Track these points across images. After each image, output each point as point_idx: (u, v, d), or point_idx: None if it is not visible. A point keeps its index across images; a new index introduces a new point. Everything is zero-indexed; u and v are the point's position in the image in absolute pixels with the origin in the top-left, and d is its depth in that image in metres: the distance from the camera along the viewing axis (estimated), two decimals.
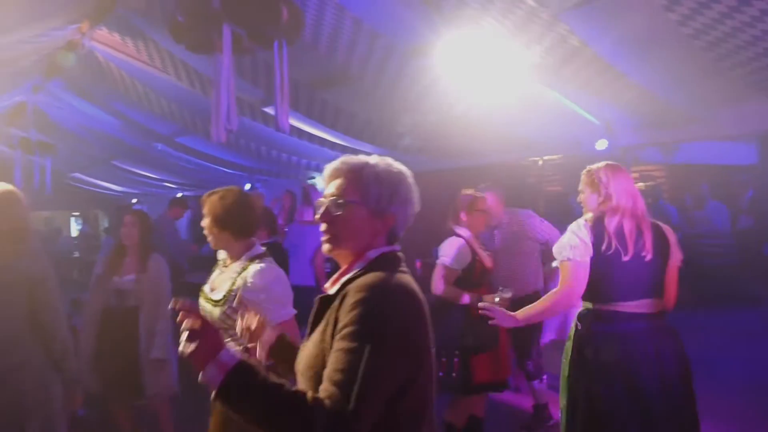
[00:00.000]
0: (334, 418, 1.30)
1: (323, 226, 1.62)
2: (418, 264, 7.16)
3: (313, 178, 9.42)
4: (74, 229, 21.54)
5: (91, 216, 21.00)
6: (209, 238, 2.76)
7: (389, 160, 1.69)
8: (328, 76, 4.75)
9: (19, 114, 7.74)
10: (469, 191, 4.19)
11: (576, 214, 6.15)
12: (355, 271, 1.57)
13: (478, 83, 4.49)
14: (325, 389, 1.35)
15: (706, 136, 6.79)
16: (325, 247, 1.63)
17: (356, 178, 1.60)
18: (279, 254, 4.19)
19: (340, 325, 1.44)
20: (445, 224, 4.34)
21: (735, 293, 7.68)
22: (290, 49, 3.31)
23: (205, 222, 2.76)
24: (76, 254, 15.18)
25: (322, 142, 6.67)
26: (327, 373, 1.39)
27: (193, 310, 1.46)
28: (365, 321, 1.40)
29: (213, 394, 1.40)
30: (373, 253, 1.59)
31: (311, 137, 6.50)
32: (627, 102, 5.26)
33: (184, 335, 1.44)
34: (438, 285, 3.80)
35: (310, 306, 1.64)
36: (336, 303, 1.50)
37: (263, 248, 2.81)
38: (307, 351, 1.55)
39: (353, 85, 4.87)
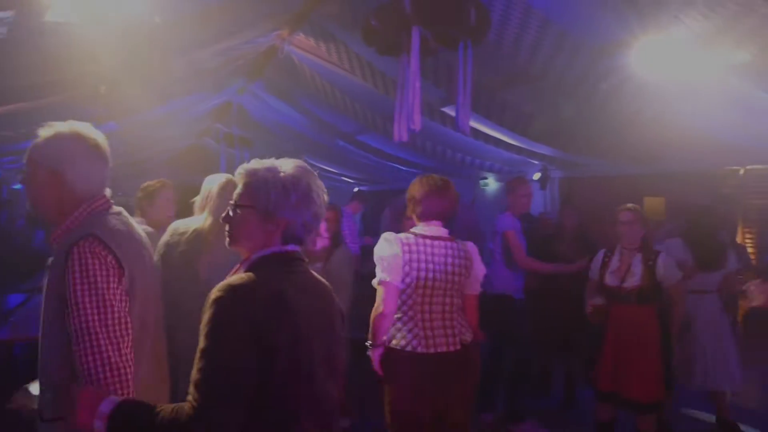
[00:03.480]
0: (194, 417, 1.48)
1: (226, 226, 1.80)
2: None
3: (486, 178, 9.37)
4: None
5: None
6: None
7: (292, 165, 1.81)
8: (509, 76, 4.69)
9: (225, 112, 8.71)
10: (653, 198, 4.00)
11: None
12: (240, 270, 1.74)
13: (675, 84, 4.14)
14: (190, 391, 1.54)
15: None
16: (226, 242, 1.79)
17: (248, 184, 1.75)
18: None
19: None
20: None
21: None
22: (473, 49, 3.33)
23: None
24: None
25: (498, 143, 6.59)
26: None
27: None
28: (213, 320, 1.55)
29: None
30: (258, 254, 1.73)
31: (487, 138, 6.46)
32: None
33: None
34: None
35: None
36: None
37: None
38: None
39: (534, 86, 4.75)
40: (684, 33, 3.44)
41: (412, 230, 3.23)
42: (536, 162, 7.65)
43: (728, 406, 4.39)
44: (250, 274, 1.67)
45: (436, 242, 3.14)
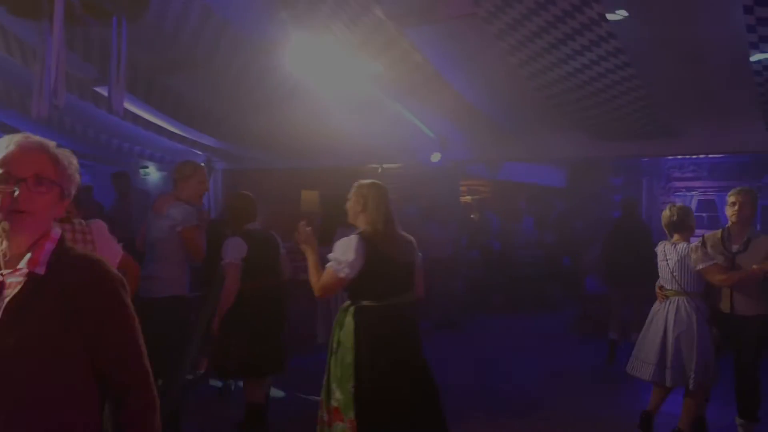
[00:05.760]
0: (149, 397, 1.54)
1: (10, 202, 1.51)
2: None
3: (147, 167, 8.90)
4: None
5: None
6: None
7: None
8: (172, 61, 4.55)
9: None
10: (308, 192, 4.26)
11: (407, 221, 6.49)
12: (53, 249, 1.56)
13: (325, 87, 4.58)
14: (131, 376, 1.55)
15: (527, 158, 7.60)
16: (4, 225, 1.52)
17: (54, 160, 1.58)
18: None
19: (90, 310, 1.50)
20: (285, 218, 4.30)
21: (541, 300, 8.63)
22: (131, 27, 3.13)
23: None
24: None
25: (160, 130, 6.32)
26: (117, 360, 1.53)
27: None
28: (118, 304, 1.55)
29: None
30: (57, 232, 1.60)
31: (147, 124, 6.14)
32: (461, 119, 5.69)
33: None
34: None
35: None
36: (55, 283, 1.49)
37: None
38: (27, 332, 1.45)
39: (198, 74, 4.70)
40: (333, 41, 3.84)
41: None
42: (200, 152, 7.59)
43: None
44: (88, 252, 1.65)
45: None
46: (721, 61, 4.01)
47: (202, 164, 4.89)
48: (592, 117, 5.19)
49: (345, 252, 2.91)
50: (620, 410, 4.53)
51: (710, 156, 8.23)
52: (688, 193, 8.74)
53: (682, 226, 3.83)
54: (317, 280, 2.98)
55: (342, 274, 2.89)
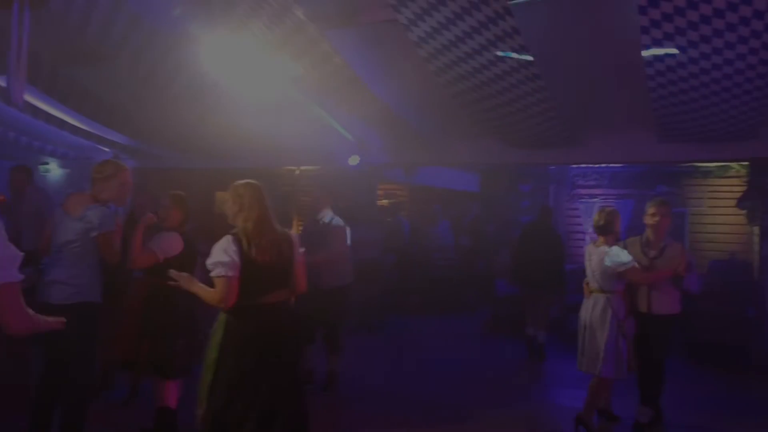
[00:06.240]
0: None
1: None
2: None
3: (47, 163, 8.38)
4: None
5: None
6: None
7: None
8: (78, 52, 4.31)
9: None
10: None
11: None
12: None
13: (244, 86, 4.49)
14: None
15: (442, 163, 7.78)
16: None
17: None
18: None
19: None
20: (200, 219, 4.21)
21: (456, 302, 8.85)
22: (34, 14, 2.95)
23: None
24: None
25: (62, 124, 5.98)
26: None
27: None
28: None
29: None
30: None
31: (49, 117, 5.79)
32: (378, 123, 5.76)
33: None
34: None
35: None
36: None
37: None
38: None
39: (106, 67, 4.49)
40: (251, 40, 3.78)
41: None
42: (107, 149, 7.23)
43: None
44: None
45: None
46: (618, 70, 4.29)
47: (124, 164, 4.51)
48: (503, 125, 5.40)
49: (224, 253, 2.88)
50: (532, 407, 4.72)
51: (611, 165, 8.75)
52: (590, 200, 9.23)
53: (608, 229, 4.08)
54: (212, 295, 2.91)
55: (231, 273, 2.86)
